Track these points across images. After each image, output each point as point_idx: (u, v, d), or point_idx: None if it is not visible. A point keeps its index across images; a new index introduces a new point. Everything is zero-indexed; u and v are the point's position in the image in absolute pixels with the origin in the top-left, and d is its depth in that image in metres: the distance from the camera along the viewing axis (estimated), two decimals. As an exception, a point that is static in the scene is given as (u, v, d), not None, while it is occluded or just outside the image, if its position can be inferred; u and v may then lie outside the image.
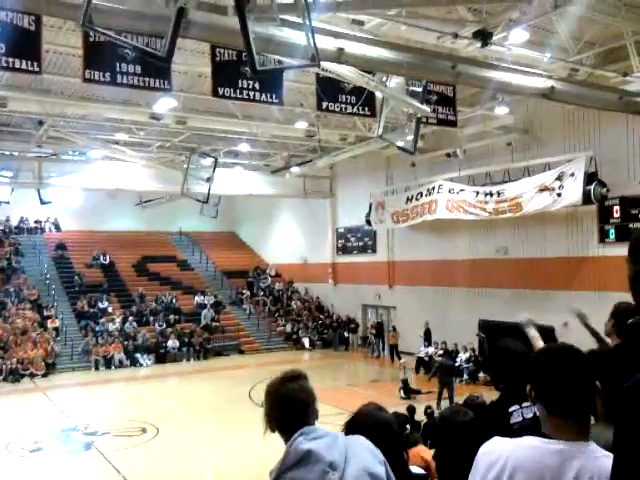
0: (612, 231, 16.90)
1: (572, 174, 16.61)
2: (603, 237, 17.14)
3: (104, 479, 11.44)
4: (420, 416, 11.08)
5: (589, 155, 16.63)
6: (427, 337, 21.97)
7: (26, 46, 10.12)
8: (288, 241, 31.81)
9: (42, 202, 22.97)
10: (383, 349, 24.77)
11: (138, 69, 11.40)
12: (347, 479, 2.09)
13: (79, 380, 21.24)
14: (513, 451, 1.92)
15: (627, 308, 3.70)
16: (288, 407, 2.19)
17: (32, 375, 21.27)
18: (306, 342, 26.84)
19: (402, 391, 16.90)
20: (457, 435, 3.08)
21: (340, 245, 28.37)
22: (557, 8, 10.85)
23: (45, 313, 24.77)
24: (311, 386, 2.29)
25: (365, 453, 2.21)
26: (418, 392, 16.84)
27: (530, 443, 1.91)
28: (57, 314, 24.99)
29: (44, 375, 21.46)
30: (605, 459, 1.80)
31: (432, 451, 4.19)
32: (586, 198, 16.33)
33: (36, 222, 31.55)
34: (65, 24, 11.81)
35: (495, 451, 1.97)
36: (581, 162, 16.59)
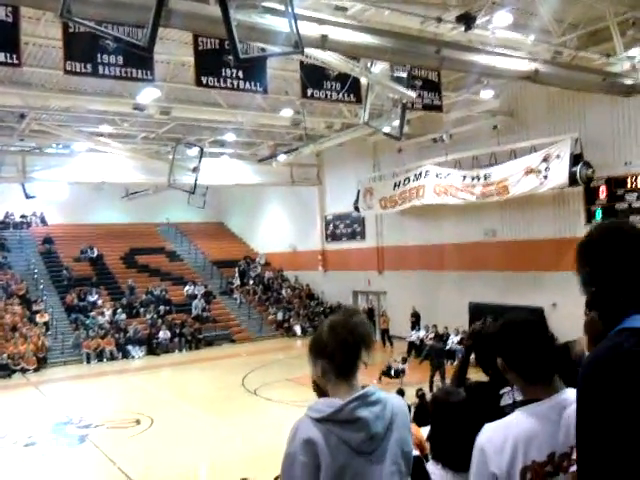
0: (599, 212, 17.01)
1: (558, 156, 16.68)
2: (590, 218, 17.25)
3: (99, 471, 11.47)
4: (411, 399, 11.18)
5: (574, 137, 16.69)
6: (417, 321, 22.14)
7: (4, 38, 9.98)
8: (277, 229, 31.78)
9: (27, 196, 22.77)
10: (375, 334, 24.83)
11: (120, 60, 11.30)
12: (385, 453, 2.14)
13: (71, 374, 21.21)
14: (516, 427, 2.01)
15: None
16: (354, 339, 2.19)
17: (24, 370, 21.18)
18: (297, 329, 26.89)
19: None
20: (451, 415, 3.12)
21: (329, 232, 28.38)
22: (540, -10, 10.84)
23: (34, 308, 24.62)
24: (367, 320, 2.33)
25: (403, 427, 2.23)
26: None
27: (526, 413, 2.03)
28: (46, 308, 24.87)
29: (36, 370, 21.37)
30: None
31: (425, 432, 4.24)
32: (572, 180, 16.41)
33: (22, 217, 31.27)
34: (44, 15, 11.64)
35: (497, 436, 2.03)
36: (566, 144, 16.66)
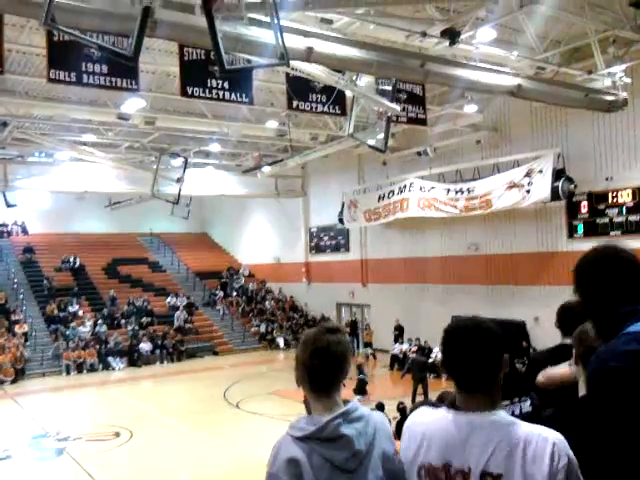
0: (580, 226, 17.20)
1: (540, 171, 16.86)
2: (571, 232, 17.44)
3: (76, 486, 11.25)
4: (393, 413, 11.13)
5: (557, 152, 16.91)
6: (400, 334, 22.12)
7: (-13, 45, 9.90)
8: (261, 241, 31.70)
9: (8, 205, 22.47)
10: (358, 347, 24.83)
11: (105, 69, 11.27)
12: (367, 470, 2.10)
13: (50, 385, 20.85)
14: (430, 424, 2.07)
15: (568, 306, 3.75)
16: (325, 358, 2.14)
17: (1, 382, 20.77)
18: (280, 342, 26.75)
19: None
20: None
21: (313, 244, 28.35)
22: (523, 7, 10.99)
23: (13, 318, 24.25)
24: (348, 340, 2.27)
25: (384, 443, 2.18)
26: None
27: (444, 415, 2.03)
28: (26, 319, 24.49)
29: (13, 381, 20.98)
30: (510, 427, 1.93)
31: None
32: (554, 194, 16.59)
33: (2, 225, 30.86)
34: (28, 22, 11.58)
35: (415, 424, 2.13)
36: (549, 159, 16.85)
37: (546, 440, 1.85)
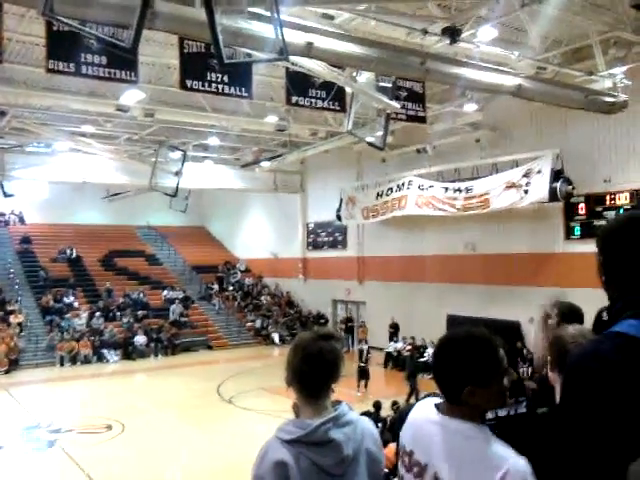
0: (577, 228, 17.17)
1: (539, 171, 16.84)
2: (569, 234, 17.42)
3: (67, 477, 11.23)
4: (387, 411, 11.14)
5: (555, 152, 16.86)
6: (395, 332, 22.12)
7: (-14, 34, 9.85)
8: (258, 236, 31.67)
9: (5, 195, 22.36)
10: (352, 344, 24.83)
11: (103, 60, 11.21)
12: (355, 475, 2.12)
13: (43, 376, 20.84)
14: (416, 414, 2.15)
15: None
16: (316, 365, 2.15)
17: (-6, 372, 20.80)
18: (276, 337, 26.75)
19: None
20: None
21: (310, 240, 28.34)
22: (524, 6, 10.94)
23: (8, 308, 24.21)
24: (341, 348, 2.28)
25: (372, 447, 2.21)
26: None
27: (428, 411, 2.07)
28: (21, 309, 24.46)
29: (7, 372, 20.97)
30: (474, 441, 1.89)
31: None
32: (552, 195, 16.57)
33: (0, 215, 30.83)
34: (28, 12, 11.52)
35: (412, 413, 2.18)
36: (548, 159, 16.82)
37: (505, 460, 1.81)
